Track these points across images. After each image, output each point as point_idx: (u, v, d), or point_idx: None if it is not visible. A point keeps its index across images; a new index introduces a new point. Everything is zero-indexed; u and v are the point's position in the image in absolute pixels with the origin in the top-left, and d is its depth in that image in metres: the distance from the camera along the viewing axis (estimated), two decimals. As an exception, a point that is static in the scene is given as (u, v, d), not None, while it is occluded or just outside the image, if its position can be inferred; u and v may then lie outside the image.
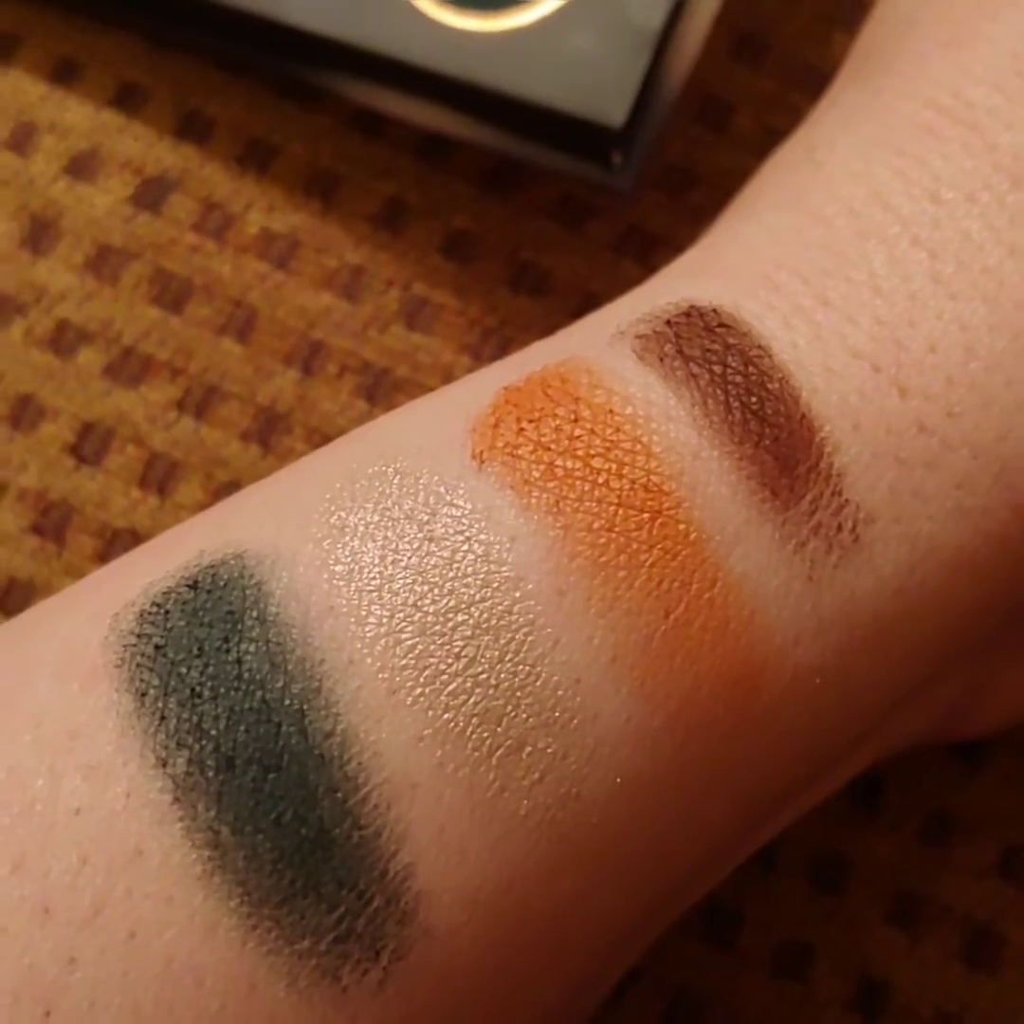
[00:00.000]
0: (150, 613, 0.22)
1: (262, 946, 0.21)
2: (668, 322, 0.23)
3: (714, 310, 0.23)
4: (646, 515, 0.22)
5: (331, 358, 0.31)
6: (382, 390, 0.31)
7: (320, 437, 0.31)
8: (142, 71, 0.33)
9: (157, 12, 0.32)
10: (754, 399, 0.23)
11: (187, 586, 0.22)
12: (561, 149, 0.30)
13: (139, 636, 0.22)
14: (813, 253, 0.24)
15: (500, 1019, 0.22)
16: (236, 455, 0.31)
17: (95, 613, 0.22)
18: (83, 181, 0.32)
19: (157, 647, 0.21)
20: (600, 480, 0.22)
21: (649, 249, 0.32)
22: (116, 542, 0.30)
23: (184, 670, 0.21)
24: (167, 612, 0.22)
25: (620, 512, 0.22)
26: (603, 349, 0.23)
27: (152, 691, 0.21)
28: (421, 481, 0.22)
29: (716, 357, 0.23)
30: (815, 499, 0.22)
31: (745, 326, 0.23)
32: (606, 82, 0.29)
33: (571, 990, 0.24)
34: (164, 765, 0.21)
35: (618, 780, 0.21)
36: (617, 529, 0.22)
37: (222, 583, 0.22)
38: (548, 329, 0.25)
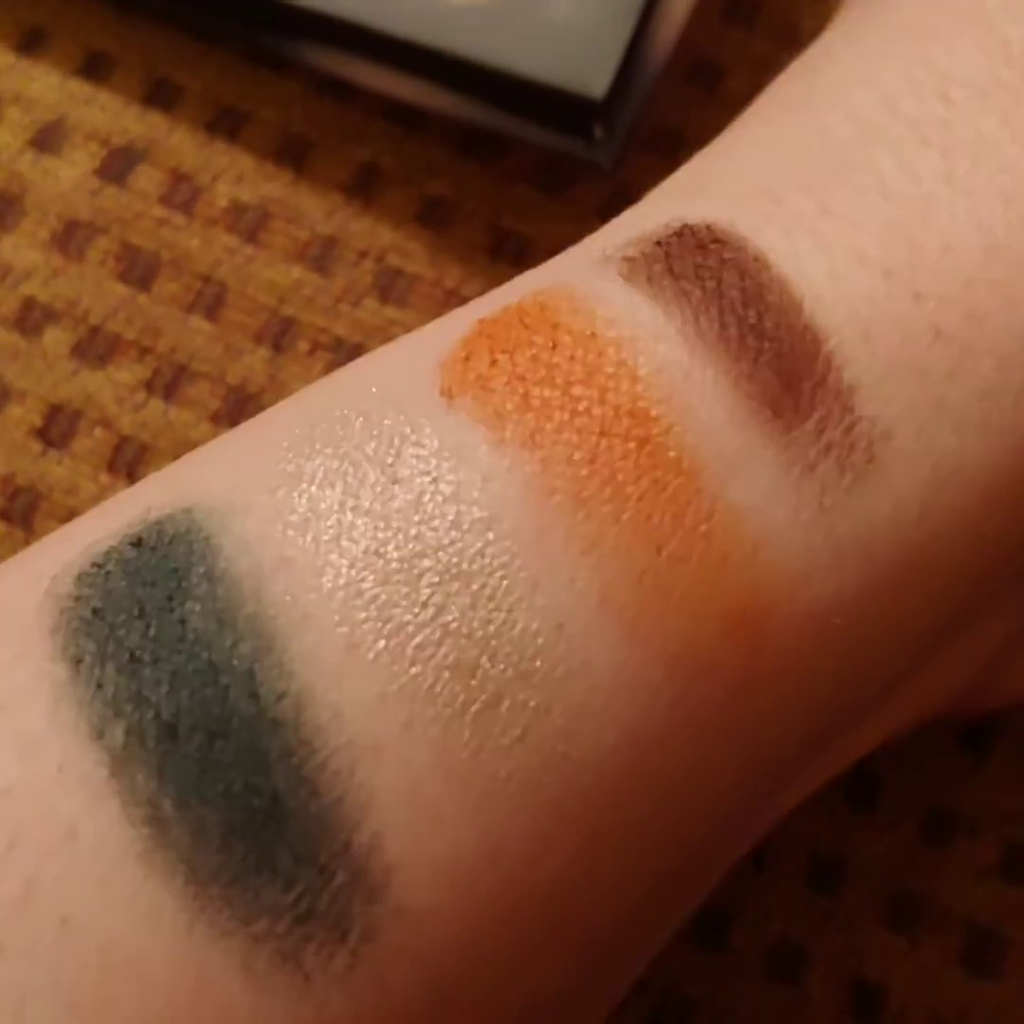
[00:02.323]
0: (89, 574, 0.19)
1: (212, 930, 0.18)
2: (658, 243, 0.21)
3: (707, 226, 0.21)
4: (632, 443, 0.19)
5: (302, 335, 0.29)
6: (355, 367, 0.29)
7: (291, 417, 0.29)
8: (110, 39, 0.30)
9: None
10: (751, 313, 0.20)
11: (131, 544, 0.19)
12: (541, 122, 0.28)
13: (77, 599, 0.19)
14: (814, 161, 0.21)
15: (486, 1007, 0.20)
16: (206, 437, 0.29)
17: (32, 577, 0.20)
18: (49, 154, 0.30)
19: (95, 610, 0.19)
20: (581, 408, 0.19)
21: (635, 213, 0.29)
22: (84, 529, 0.29)
23: (123, 633, 0.19)
24: (108, 573, 0.19)
25: (603, 442, 0.19)
26: (587, 274, 0.21)
27: (88, 657, 0.19)
28: (386, 422, 0.20)
29: (709, 273, 0.20)
30: (824, 417, 0.20)
31: (740, 240, 0.20)
32: (588, 53, 0.27)
33: (574, 973, 0.21)
34: (100, 736, 0.18)
35: (612, 737, 0.19)
36: (600, 460, 0.19)
37: (167, 539, 0.19)
38: (528, 300, 0.23)
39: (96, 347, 0.29)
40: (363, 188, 0.30)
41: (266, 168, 0.30)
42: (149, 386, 0.29)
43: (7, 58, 0.30)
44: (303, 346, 0.29)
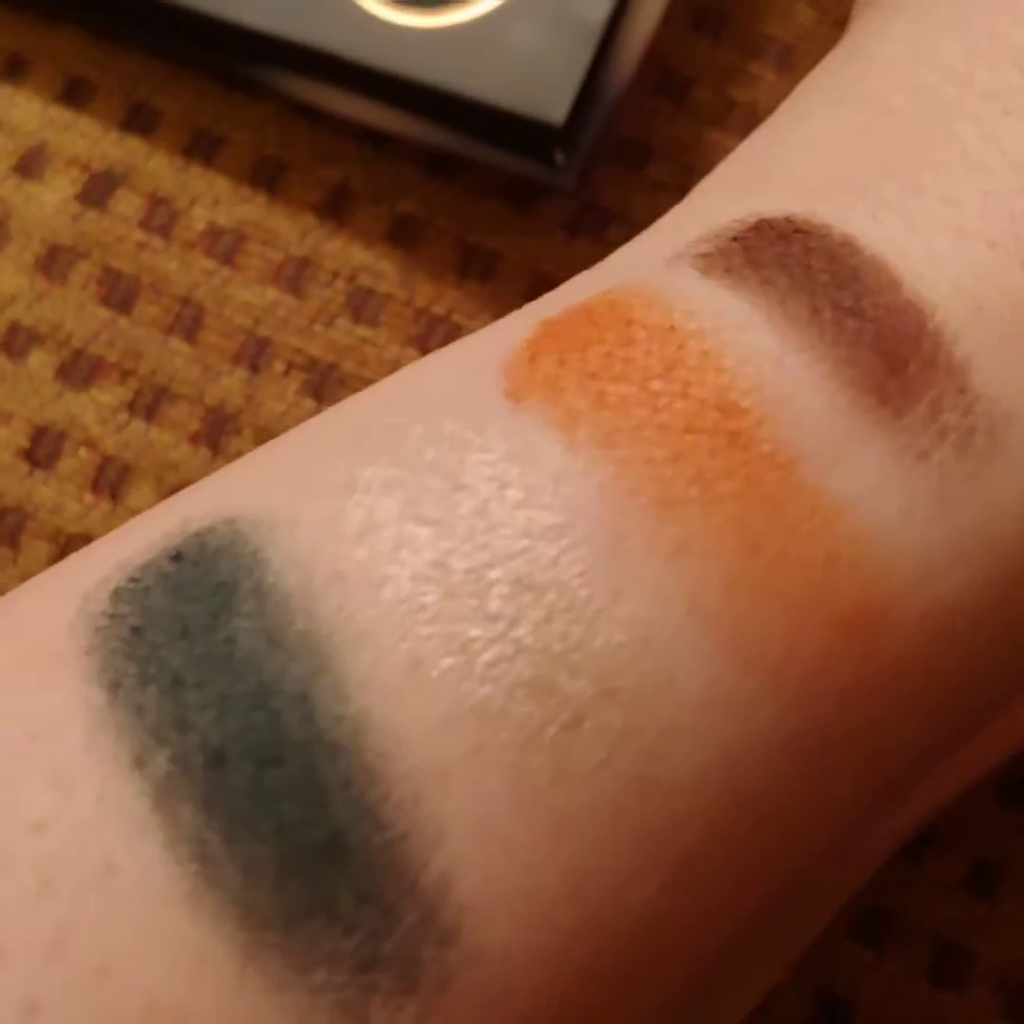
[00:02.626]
0: (126, 591, 0.18)
1: (265, 981, 0.16)
2: (734, 238, 0.19)
3: (786, 218, 0.19)
4: (721, 438, 0.18)
5: (278, 356, 0.30)
6: (328, 387, 0.29)
7: (268, 438, 0.29)
8: (89, 66, 0.31)
9: (103, 8, 0.30)
10: (845, 294, 0.18)
11: (170, 558, 0.18)
12: (504, 146, 0.28)
13: (112, 617, 0.18)
14: (889, 144, 0.20)
15: None
16: (186, 458, 0.29)
17: (61, 594, 0.18)
18: (31, 179, 0.31)
19: (134, 629, 0.17)
20: (661, 403, 0.18)
21: (603, 226, 0.29)
22: (70, 547, 0.29)
23: (166, 654, 0.17)
24: (146, 588, 0.18)
25: (688, 438, 0.18)
26: (659, 272, 0.19)
27: (128, 680, 0.17)
28: (446, 428, 0.18)
29: (794, 260, 0.19)
30: (936, 399, 0.18)
31: (825, 228, 0.19)
32: (548, 79, 0.27)
33: (662, 1015, 0.19)
34: (141, 766, 0.17)
35: (705, 757, 0.17)
36: (685, 458, 0.18)
37: (210, 552, 0.18)
38: (498, 314, 0.23)
39: (80, 369, 0.30)
40: (335, 208, 0.30)
41: (241, 191, 0.30)
42: (131, 407, 0.30)
43: (-10, 86, 0.31)
44: (279, 366, 0.29)
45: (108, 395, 0.30)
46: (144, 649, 0.17)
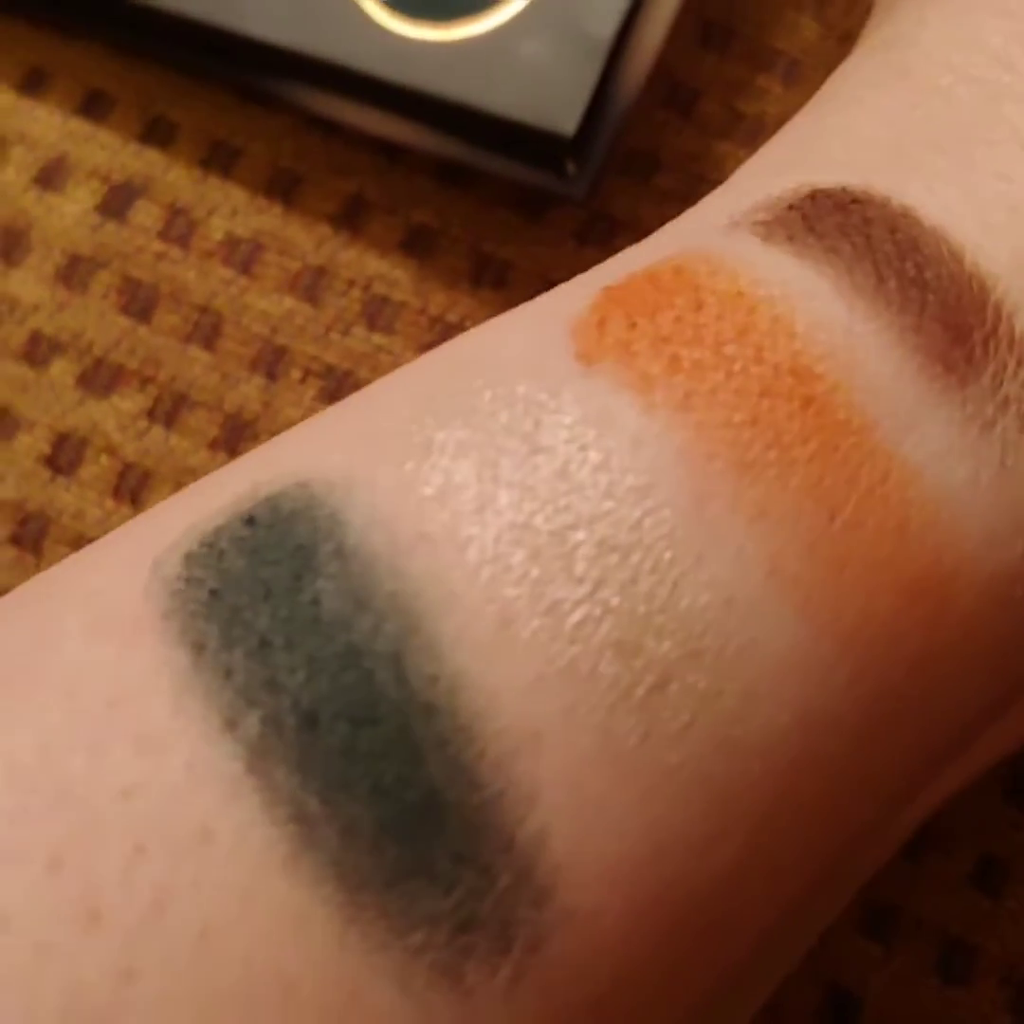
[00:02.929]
0: (200, 555, 0.18)
1: (365, 941, 0.16)
2: (790, 206, 0.19)
3: (842, 188, 0.19)
4: (796, 403, 0.18)
5: (294, 363, 0.30)
6: (344, 393, 0.30)
7: (285, 442, 0.30)
8: (108, 79, 0.31)
9: (121, 22, 0.31)
10: (909, 264, 0.18)
11: (243, 522, 0.18)
12: (515, 157, 0.29)
13: (189, 581, 0.17)
14: (941, 123, 0.20)
15: (649, 1016, 0.18)
16: (204, 464, 0.30)
17: (131, 560, 0.18)
18: (52, 191, 0.31)
19: (212, 592, 0.17)
20: (736, 368, 0.18)
21: (612, 235, 0.30)
22: (92, 552, 0.30)
23: (249, 616, 0.17)
24: (221, 552, 0.18)
25: (764, 402, 0.18)
26: (718, 239, 0.19)
27: (212, 642, 0.17)
28: (520, 390, 0.18)
29: (855, 230, 0.19)
30: (999, 370, 0.18)
31: (882, 199, 0.19)
32: (558, 91, 0.27)
33: (733, 974, 0.19)
34: (233, 728, 0.17)
35: (784, 720, 0.17)
36: (763, 422, 0.18)
37: (285, 515, 0.18)
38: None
39: (100, 377, 0.30)
40: (350, 218, 0.30)
41: (258, 201, 0.31)
42: (151, 414, 0.30)
43: (10, 99, 0.32)
44: (296, 374, 0.30)
45: (128, 402, 0.30)
46: (225, 612, 0.17)
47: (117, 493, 0.30)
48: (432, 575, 0.17)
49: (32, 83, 0.32)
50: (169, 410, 0.30)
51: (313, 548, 0.17)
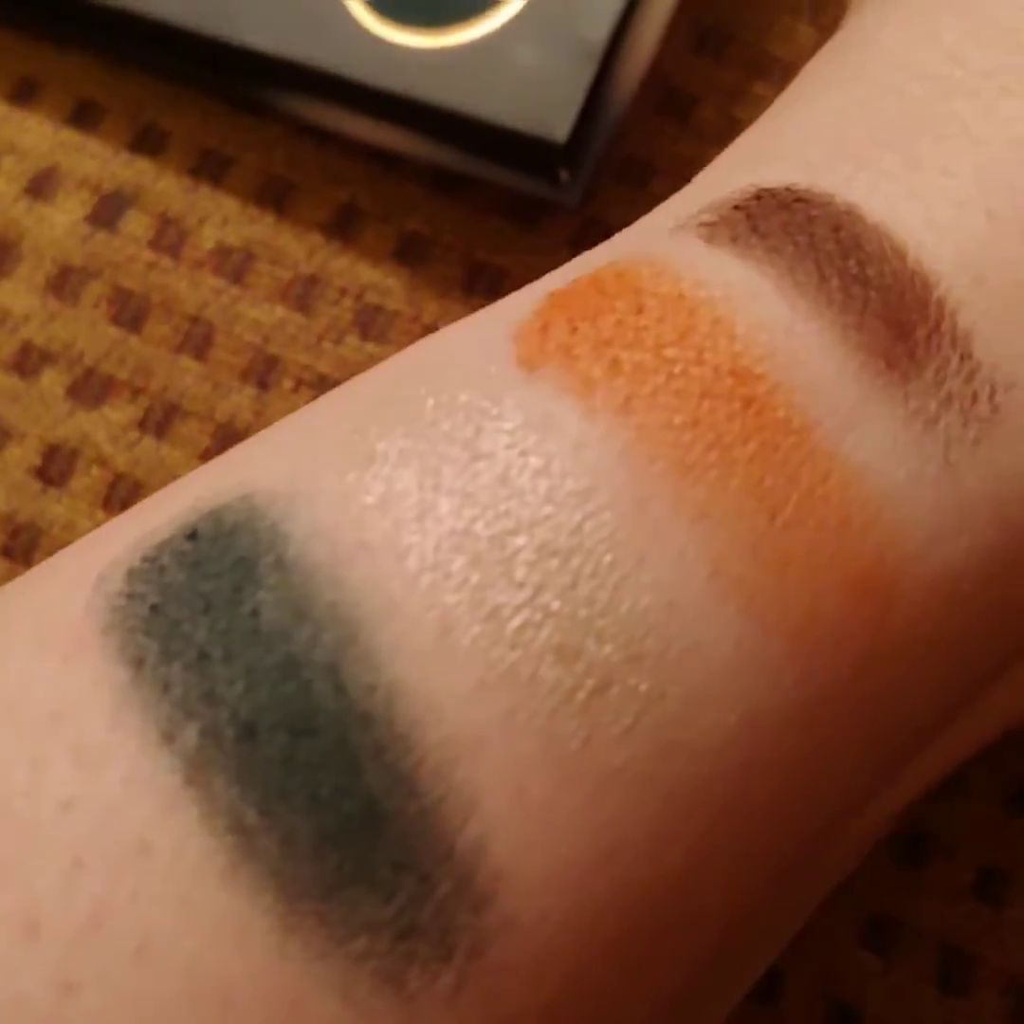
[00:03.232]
0: (141, 570, 0.18)
1: (306, 951, 0.16)
2: (736, 207, 0.19)
3: (786, 188, 0.19)
4: (737, 404, 0.18)
5: (287, 373, 0.30)
6: (337, 403, 0.30)
7: (277, 452, 0.29)
8: (98, 88, 0.31)
9: (112, 32, 0.31)
10: (851, 262, 0.18)
11: (184, 536, 0.18)
12: (508, 165, 0.28)
13: (130, 596, 0.17)
14: (889, 120, 0.20)
15: (605, 1020, 0.18)
16: (196, 473, 0.29)
17: (75, 577, 0.18)
18: (42, 201, 0.31)
19: (153, 607, 0.17)
20: (677, 370, 0.18)
21: (607, 244, 0.30)
22: (83, 564, 0.30)
23: (188, 629, 0.17)
24: (162, 567, 0.18)
25: (705, 403, 0.18)
26: (663, 242, 0.19)
27: (151, 657, 0.17)
28: (461, 398, 0.18)
29: (799, 228, 0.19)
30: (941, 366, 0.18)
31: (826, 196, 0.19)
32: (550, 97, 0.27)
33: (687, 979, 0.19)
34: (170, 741, 0.17)
35: (731, 721, 0.17)
36: (703, 423, 0.18)
37: (227, 528, 0.18)
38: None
39: (91, 388, 0.30)
40: (343, 227, 0.30)
41: (249, 210, 0.30)
42: (142, 425, 0.30)
43: (1, 109, 0.31)
44: (288, 383, 0.30)
45: (119, 413, 0.30)
46: (164, 626, 0.17)
47: (108, 504, 0.30)
48: (372, 584, 0.17)
49: (22, 93, 0.31)
50: (160, 420, 0.30)
51: (254, 560, 0.17)
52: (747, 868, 0.18)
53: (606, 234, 0.30)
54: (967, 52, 0.21)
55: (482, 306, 0.29)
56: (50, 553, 0.29)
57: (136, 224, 0.31)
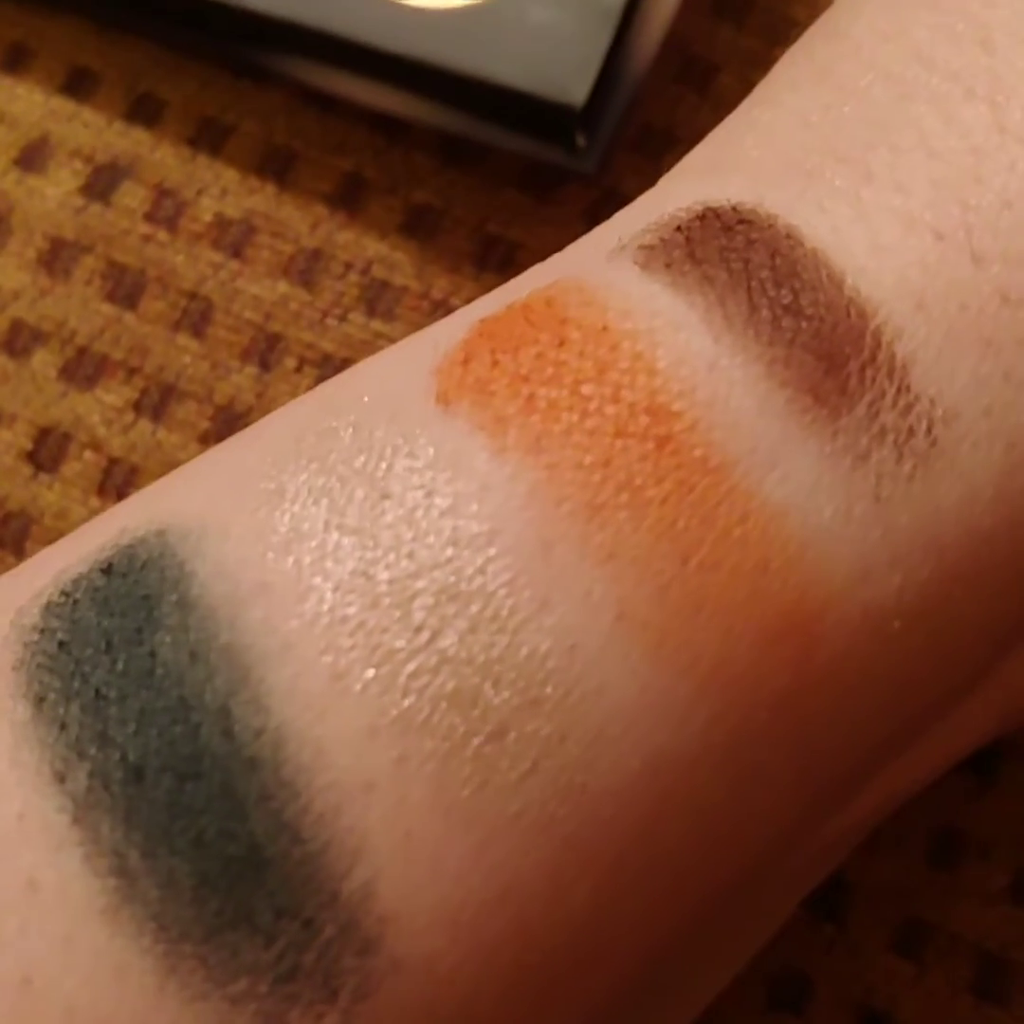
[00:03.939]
0: (57, 604, 0.18)
1: (184, 991, 0.16)
2: (678, 228, 0.19)
3: (733, 207, 0.19)
4: (651, 443, 0.17)
5: (289, 351, 0.28)
6: (342, 383, 0.28)
7: (279, 435, 0.28)
8: (92, 55, 0.29)
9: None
10: (784, 292, 0.18)
11: (100, 571, 0.18)
12: (522, 130, 0.27)
13: (42, 632, 0.18)
14: (849, 129, 0.19)
15: None
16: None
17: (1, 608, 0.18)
18: (34, 172, 0.29)
19: (61, 644, 0.17)
20: (592, 408, 0.17)
21: (625, 216, 0.28)
22: (76, 553, 0.28)
23: (89, 669, 0.17)
24: (76, 602, 0.18)
25: (617, 443, 0.17)
26: (600, 266, 0.19)
27: (52, 695, 0.17)
28: (377, 433, 0.18)
29: (736, 255, 0.18)
30: (876, 400, 0.18)
31: (770, 219, 0.18)
32: (567, 60, 0.26)
33: (595, 1019, 0.19)
34: (62, 781, 0.17)
35: (635, 764, 0.17)
36: (615, 463, 0.17)
37: (139, 565, 0.18)
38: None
39: (84, 368, 0.28)
40: (347, 199, 0.29)
41: (250, 181, 0.29)
42: (137, 407, 0.28)
43: (-10, 77, 0.30)
44: (290, 363, 0.28)
45: (113, 395, 0.28)
46: (69, 664, 0.17)
47: (102, 491, 0.28)
48: (267, 626, 0.17)
49: (12, 60, 0.30)
50: (156, 402, 0.28)
51: (158, 598, 0.17)
52: (661, 906, 0.18)
53: (622, 206, 0.28)
54: (936, 50, 0.20)
55: (494, 281, 0.28)
56: (41, 542, 0.28)
57: (131, 196, 0.29)
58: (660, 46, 0.28)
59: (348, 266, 0.28)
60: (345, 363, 0.28)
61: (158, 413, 0.28)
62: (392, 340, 0.28)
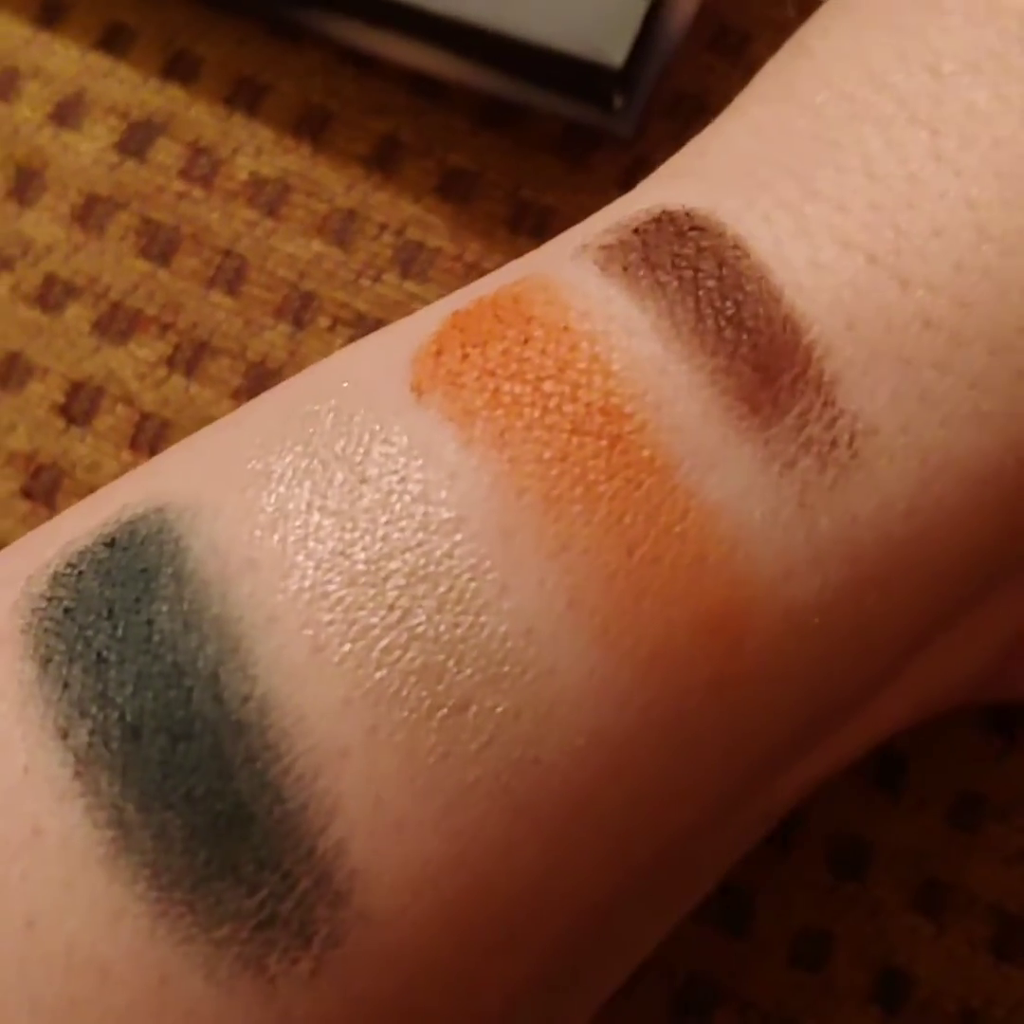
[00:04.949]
0: (63, 574, 0.19)
1: (174, 934, 0.17)
2: (636, 230, 0.20)
3: (687, 213, 0.20)
4: (604, 441, 0.18)
5: (323, 310, 0.28)
6: (375, 342, 0.28)
7: (312, 393, 0.28)
8: (128, 12, 0.29)
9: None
10: (728, 303, 0.19)
11: (104, 544, 0.19)
12: (559, 91, 0.26)
13: (49, 599, 0.19)
14: (801, 144, 0.20)
15: (459, 1004, 0.19)
16: (226, 414, 0.28)
17: (10, 576, 0.19)
18: (68, 128, 0.29)
19: (67, 610, 0.19)
20: (552, 405, 0.19)
21: (659, 183, 0.28)
22: (107, 506, 0.28)
23: (91, 633, 0.18)
24: (81, 572, 0.19)
25: (574, 439, 0.18)
26: (564, 264, 0.20)
27: (57, 657, 0.18)
28: (356, 419, 0.19)
29: (686, 262, 0.19)
30: (804, 412, 0.19)
31: (720, 227, 0.19)
32: (606, 20, 0.25)
33: (544, 968, 0.20)
34: (65, 736, 0.18)
35: (581, 741, 0.18)
36: (571, 458, 0.18)
37: (139, 539, 0.19)
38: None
39: (117, 323, 0.28)
40: (383, 160, 0.28)
41: (285, 141, 0.29)
42: (170, 362, 0.28)
43: (26, 31, 0.29)
44: (324, 321, 0.28)
45: (146, 350, 0.28)
46: (73, 629, 0.18)
47: (134, 444, 0.28)
48: (255, 600, 0.18)
49: (49, 15, 0.29)
50: (189, 358, 0.28)
51: (155, 571, 0.18)
52: (605, 866, 0.19)
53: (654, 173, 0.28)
54: (888, 73, 0.20)
55: (528, 246, 0.28)
56: (73, 495, 0.28)
57: (166, 153, 0.29)
58: (694, 14, 0.28)
59: (383, 227, 0.28)
60: (378, 323, 0.28)
61: (191, 368, 0.28)
62: (425, 301, 0.28)
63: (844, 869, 0.26)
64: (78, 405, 0.28)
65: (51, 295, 0.28)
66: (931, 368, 0.19)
